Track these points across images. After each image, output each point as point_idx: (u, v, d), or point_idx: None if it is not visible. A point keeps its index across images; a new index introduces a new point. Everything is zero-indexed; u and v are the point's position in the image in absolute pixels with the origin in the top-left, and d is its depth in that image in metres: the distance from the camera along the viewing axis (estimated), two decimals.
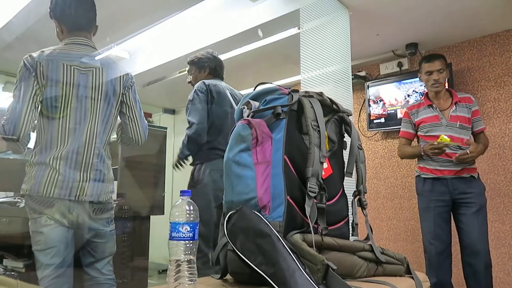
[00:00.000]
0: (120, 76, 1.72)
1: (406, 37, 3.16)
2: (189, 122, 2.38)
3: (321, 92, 1.11)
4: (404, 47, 3.29)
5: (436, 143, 2.24)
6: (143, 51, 3.43)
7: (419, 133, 2.50)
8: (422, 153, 2.36)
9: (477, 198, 2.32)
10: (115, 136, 1.79)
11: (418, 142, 2.54)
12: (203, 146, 2.19)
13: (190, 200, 0.85)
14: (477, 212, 2.31)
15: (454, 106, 2.38)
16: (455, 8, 2.63)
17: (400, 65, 3.46)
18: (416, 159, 2.53)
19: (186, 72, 2.52)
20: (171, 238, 0.80)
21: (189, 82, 2.46)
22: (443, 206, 2.36)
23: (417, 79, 3.25)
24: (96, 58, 1.69)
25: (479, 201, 2.32)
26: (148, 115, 5.07)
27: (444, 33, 3.06)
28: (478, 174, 2.40)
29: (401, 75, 3.41)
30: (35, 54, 1.56)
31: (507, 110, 2.93)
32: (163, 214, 2.23)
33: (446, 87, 2.52)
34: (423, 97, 2.54)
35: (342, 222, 1.09)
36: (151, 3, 2.54)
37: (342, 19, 2.52)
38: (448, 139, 2.22)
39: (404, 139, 2.57)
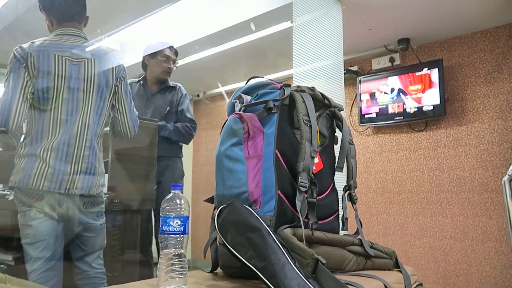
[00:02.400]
0: (113, 68, 1.71)
1: (398, 32, 3.17)
2: (192, 119, 2.42)
3: (313, 87, 1.11)
4: (396, 42, 3.30)
5: None
6: (135, 42, 3.39)
7: None
8: None
9: None
10: (108, 128, 1.78)
11: None
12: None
13: (181, 193, 0.85)
14: None
15: None
16: (446, 4, 2.64)
17: (392, 60, 3.48)
18: None
19: (172, 63, 2.51)
20: (162, 232, 0.80)
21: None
22: None
23: (409, 74, 3.28)
24: (87, 49, 1.67)
25: None
26: None
27: (435, 29, 3.08)
28: None
29: (393, 70, 3.42)
30: (25, 45, 1.53)
31: (496, 106, 2.96)
32: (154, 207, 2.23)
33: None
34: None
35: (332, 217, 1.10)
36: None
37: (335, 13, 2.51)
38: None
39: None
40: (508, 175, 1.80)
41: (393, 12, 2.77)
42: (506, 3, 2.61)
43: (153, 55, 2.48)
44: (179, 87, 2.56)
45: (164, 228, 0.80)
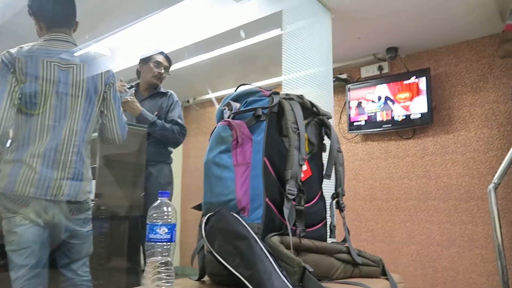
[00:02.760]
0: (102, 74, 1.70)
1: (387, 41, 3.21)
2: (183, 125, 2.42)
3: (302, 95, 1.11)
4: (384, 51, 3.35)
5: None
6: (125, 48, 3.38)
7: None
8: None
9: None
10: (96, 134, 1.77)
11: None
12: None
13: (168, 201, 0.84)
14: None
15: None
16: (434, 14, 2.69)
17: (380, 68, 3.52)
18: None
19: (164, 69, 2.52)
20: (148, 239, 0.80)
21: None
22: None
23: (397, 82, 3.32)
24: (76, 54, 1.66)
25: None
26: None
27: (423, 39, 3.13)
28: None
29: (382, 78, 3.46)
30: (13, 50, 1.52)
31: (482, 115, 3.01)
32: (142, 214, 2.21)
33: None
34: None
35: (320, 224, 1.11)
36: (134, 1, 2.51)
37: (324, 21, 2.54)
38: None
39: (509, 32, 2.33)
40: (494, 183, 1.83)
41: (381, 22, 2.81)
42: (491, 14, 2.67)
43: (145, 61, 2.50)
44: (171, 93, 2.56)
45: (151, 236, 0.80)
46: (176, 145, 2.54)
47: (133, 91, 2.41)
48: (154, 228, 0.80)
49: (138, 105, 2.32)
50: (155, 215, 0.81)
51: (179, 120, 2.47)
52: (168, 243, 0.81)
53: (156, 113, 2.42)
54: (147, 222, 0.81)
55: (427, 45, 3.27)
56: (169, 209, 0.82)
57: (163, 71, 2.50)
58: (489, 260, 2.85)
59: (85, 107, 1.63)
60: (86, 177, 1.62)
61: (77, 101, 1.61)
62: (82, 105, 1.62)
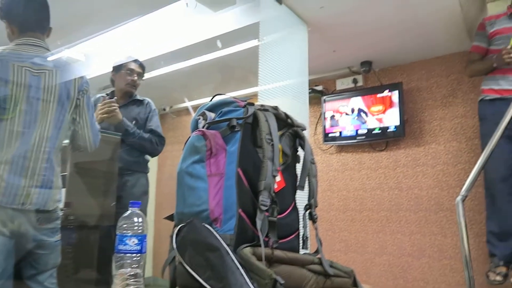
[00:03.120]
0: (75, 80, 1.67)
1: (361, 55, 3.29)
2: (161, 136, 2.40)
3: (276, 106, 1.13)
4: (359, 64, 3.42)
5: (509, 47, 2.04)
6: (100, 54, 3.33)
7: (492, 47, 2.30)
8: (495, 65, 2.18)
9: None
10: (67, 141, 1.72)
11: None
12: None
13: (139, 211, 0.83)
14: None
15: None
16: (407, 31, 2.78)
17: (355, 81, 3.60)
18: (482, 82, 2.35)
19: (137, 76, 2.49)
20: (117, 251, 0.78)
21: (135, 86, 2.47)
22: (509, 129, 2.04)
23: (371, 95, 3.40)
24: (49, 59, 1.63)
25: None
26: None
27: (396, 53, 3.22)
28: None
29: (356, 91, 3.54)
30: None
31: (451, 129, 3.11)
32: (113, 224, 2.16)
33: None
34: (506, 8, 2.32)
35: (293, 236, 1.11)
36: (112, 6, 2.48)
37: (301, 34, 2.58)
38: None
39: (475, 54, 2.38)
40: (461, 195, 1.88)
41: (356, 36, 2.88)
42: (460, 32, 2.79)
43: (118, 69, 2.46)
44: (148, 101, 2.53)
45: (120, 247, 0.78)
46: (154, 155, 2.51)
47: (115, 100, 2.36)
48: (124, 239, 0.79)
49: (119, 113, 2.26)
50: (125, 225, 0.80)
51: (158, 130, 2.45)
52: (138, 255, 0.79)
53: (133, 122, 2.39)
54: (117, 233, 0.80)
55: (400, 60, 3.37)
56: (140, 219, 0.81)
57: (136, 78, 2.46)
58: (457, 271, 2.92)
59: (56, 113, 1.59)
60: (55, 185, 1.58)
61: (49, 107, 1.57)
62: (54, 111, 1.58)
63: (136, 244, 0.79)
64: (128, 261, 0.78)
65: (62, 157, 1.66)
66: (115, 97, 2.44)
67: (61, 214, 1.66)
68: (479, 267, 2.82)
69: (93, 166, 2.04)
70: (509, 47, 2.13)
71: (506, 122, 1.76)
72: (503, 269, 2.20)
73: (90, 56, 3.29)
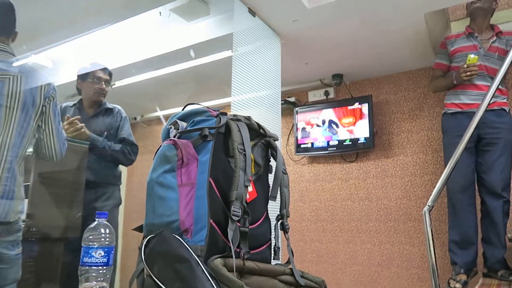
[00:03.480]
0: (41, 86, 1.61)
1: (333, 68, 3.36)
2: (134, 144, 2.34)
3: (249, 116, 1.13)
4: (330, 77, 3.49)
5: (465, 65, 2.18)
6: (69, 61, 3.25)
7: (453, 64, 2.42)
8: (455, 81, 2.30)
9: (505, 134, 2.23)
10: (31, 150, 1.66)
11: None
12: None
13: (106, 222, 0.80)
14: (503, 149, 2.20)
15: (495, 37, 2.33)
16: (376, 46, 2.87)
17: (326, 93, 3.66)
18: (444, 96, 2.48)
19: (105, 83, 2.41)
20: (82, 263, 0.75)
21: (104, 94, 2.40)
22: (470, 142, 2.21)
23: (342, 107, 3.47)
24: (14, 65, 1.57)
25: (506, 137, 2.23)
26: None
27: (366, 67, 3.31)
28: (510, 109, 2.32)
29: (328, 103, 3.60)
30: None
31: (418, 141, 3.21)
32: (79, 235, 2.08)
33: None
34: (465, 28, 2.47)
35: (265, 246, 1.10)
36: (83, 12, 2.43)
37: (274, 46, 2.61)
38: (476, 57, 2.15)
39: (438, 70, 2.51)
40: (428, 205, 1.93)
41: (327, 50, 2.95)
42: (426, 49, 2.90)
43: (84, 77, 2.36)
44: (118, 109, 2.46)
45: (86, 259, 0.75)
46: (128, 165, 2.46)
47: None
48: (90, 251, 0.76)
49: (85, 130, 2.17)
50: (91, 237, 0.77)
51: (130, 138, 2.40)
52: (105, 267, 0.76)
53: (105, 133, 2.31)
54: (82, 245, 0.77)
55: (370, 74, 3.46)
56: (107, 230, 0.79)
57: (104, 86, 2.37)
58: (424, 279, 2.99)
59: (20, 120, 1.53)
60: (17, 196, 1.51)
61: (12, 114, 1.50)
62: (17, 118, 1.52)
63: (102, 256, 0.76)
64: (94, 274, 0.75)
65: (25, 166, 1.59)
66: (83, 106, 2.37)
67: (23, 226, 1.59)
68: (446, 276, 2.89)
69: (59, 176, 1.97)
70: (465, 66, 2.26)
71: (469, 136, 1.83)
72: (463, 277, 2.27)
73: (57, 62, 3.20)
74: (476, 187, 2.39)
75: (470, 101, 2.34)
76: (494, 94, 1.85)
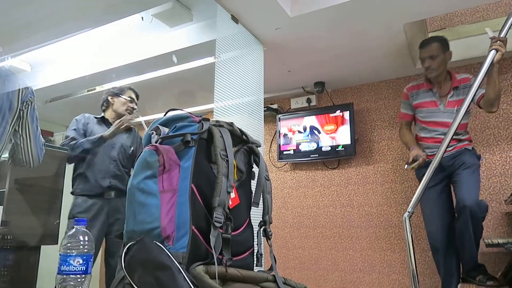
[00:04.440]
0: (19, 90, 1.57)
1: (315, 75, 3.39)
2: None
3: (232, 122, 1.12)
4: (312, 84, 3.52)
5: (410, 168, 2.39)
6: (48, 64, 3.19)
7: (416, 115, 2.51)
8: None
9: (470, 160, 2.29)
10: (7, 155, 1.61)
11: (415, 124, 2.60)
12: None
13: (85, 229, 0.79)
14: (471, 169, 2.26)
15: (452, 92, 2.38)
16: (357, 55, 2.92)
17: (309, 101, 3.69)
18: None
19: (135, 103, 2.56)
20: (60, 272, 0.73)
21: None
22: (438, 184, 2.36)
23: (324, 115, 3.50)
24: None
25: (472, 162, 2.29)
26: (48, 134, 4.66)
27: (347, 76, 3.36)
28: (473, 148, 2.40)
29: (310, 110, 3.63)
30: None
31: (398, 148, 3.27)
32: (57, 243, 2.02)
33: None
34: (423, 79, 2.52)
35: (247, 253, 1.10)
36: (62, 15, 2.39)
37: (257, 53, 2.62)
38: (411, 166, 2.36)
39: (403, 121, 2.60)
40: (408, 211, 1.96)
41: (309, 58, 2.98)
42: (405, 59, 2.96)
43: (117, 94, 2.49)
44: (135, 129, 2.58)
45: (63, 267, 0.73)
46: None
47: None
48: (68, 259, 0.74)
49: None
50: (69, 244, 0.75)
51: None
52: (83, 276, 0.74)
53: (132, 149, 2.48)
54: (60, 252, 0.75)
55: (351, 82, 3.52)
56: (86, 238, 0.77)
57: (135, 106, 2.54)
58: (405, 285, 3.02)
59: None
60: None
61: None
62: None
63: (80, 264, 0.74)
64: (72, 282, 0.73)
65: (0, 172, 1.54)
66: (109, 120, 2.48)
67: None
68: (426, 281, 2.94)
69: (36, 182, 1.92)
70: (408, 167, 2.43)
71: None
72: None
73: (36, 66, 3.14)
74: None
75: (432, 154, 2.42)
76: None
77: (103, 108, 2.53)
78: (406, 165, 2.43)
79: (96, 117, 2.48)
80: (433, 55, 2.36)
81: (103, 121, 2.48)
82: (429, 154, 2.40)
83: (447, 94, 2.42)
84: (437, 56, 2.36)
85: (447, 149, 2.22)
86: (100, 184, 2.27)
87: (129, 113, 2.49)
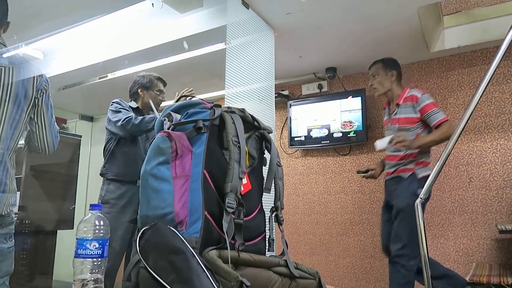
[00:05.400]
0: (34, 78, 1.58)
1: (326, 61, 3.35)
2: None
3: (243, 109, 1.12)
4: (324, 70, 3.49)
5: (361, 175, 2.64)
6: (60, 52, 3.21)
7: None
8: None
9: (400, 201, 2.28)
10: (23, 142, 1.64)
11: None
12: None
13: (100, 214, 0.80)
14: (398, 217, 2.28)
15: (396, 109, 2.42)
16: (369, 40, 2.87)
17: (320, 87, 3.66)
18: None
19: (164, 96, 2.52)
20: (77, 255, 0.75)
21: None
22: (383, 207, 2.51)
23: (335, 101, 3.47)
24: (5, 56, 1.54)
25: (402, 205, 2.26)
26: (62, 121, 4.72)
27: (359, 61, 3.31)
28: (413, 173, 2.33)
29: (321, 97, 3.60)
30: None
31: None
32: (72, 228, 2.07)
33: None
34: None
35: (259, 238, 1.11)
36: (74, 3, 2.40)
37: (268, 39, 2.60)
38: (362, 174, 2.62)
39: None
40: (420, 198, 1.95)
41: (321, 43, 2.94)
42: (418, 43, 2.90)
43: (148, 87, 2.47)
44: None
45: (80, 251, 0.75)
46: None
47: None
48: (84, 243, 0.75)
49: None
50: (85, 229, 0.76)
51: None
52: (99, 259, 0.76)
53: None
54: (76, 237, 0.77)
55: (363, 67, 3.46)
56: (101, 222, 0.78)
57: (164, 98, 2.54)
58: None
59: (12, 112, 1.50)
60: (9, 189, 1.49)
61: (4, 106, 1.48)
62: (9, 110, 1.49)
63: (97, 248, 0.75)
64: (88, 266, 0.75)
65: (17, 158, 1.57)
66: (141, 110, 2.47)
67: (15, 218, 1.57)
68: None
69: (51, 169, 1.95)
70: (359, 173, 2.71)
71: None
72: None
73: (48, 54, 3.16)
74: None
75: (385, 170, 2.54)
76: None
77: (133, 98, 2.52)
78: (358, 171, 2.69)
79: (131, 106, 2.45)
80: (374, 74, 2.50)
81: (137, 111, 2.45)
82: (387, 170, 2.49)
83: (393, 112, 2.47)
84: (377, 75, 2.49)
85: (388, 170, 2.44)
86: (134, 171, 2.24)
87: (157, 106, 2.49)
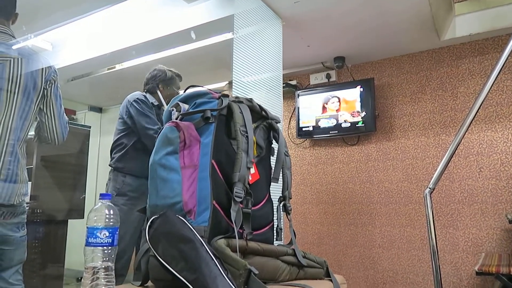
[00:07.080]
0: (42, 69, 1.59)
1: (334, 50, 3.32)
2: None
3: (251, 98, 1.12)
4: (332, 60, 3.46)
5: None
6: (68, 43, 3.22)
7: None
8: None
9: None
10: (33, 133, 1.66)
11: None
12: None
13: (110, 203, 0.81)
14: None
15: None
16: (378, 29, 2.83)
17: (328, 76, 3.64)
18: None
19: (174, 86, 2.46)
20: (88, 244, 0.76)
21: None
22: None
23: (344, 90, 3.45)
24: (14, 47, 1.55)
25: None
26: (71, 112, 4.76)
27: (368, 50, 3.28)
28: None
29: (329, 86, 3.58)
30: None
31: (420, 124, 3.20)
32: (83, 217, 2.10)
33: None
34: None
35: (267, 227, 1.11)
36: None
37: (275, 28, 2.58)
38: None
39: None
40: (429, 188, 1.94)
41: (329, 32, 2.91)
42: (429, 31, 2.86)
43: (168, 83, 2.40)
44: None
45: (90, 240, 0.76)
46: None
47: None
48: (94, 231, 0.76)
49: None
50: (95, 218, 0.77)
51: None
52: (109, 247, 0.77)
53: None
54: (87, 225, 0.78)
55: (372, 56, 3.43)
56: (111, 211, 0.79)
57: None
58: (425, 261, 3.02)
59: (22, 103, 1.52)
60: (21, 179, 1.51)
61: (13, 97, 1.50)
62: (19, 101, 1.51)
63: (107, 236, 0.76)
64: (99, 254, 0.76)
65: (27, 149, 1.60)
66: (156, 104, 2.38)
67: (27, 208, 1.60)
68: (446, 257, 2.93)
69: (61, 159, 1.98)
70: None
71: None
72: None
73: (56, 45, 3.17)
74: None
75: None
76: None
77: (149, 92, 2.41)
78: None
79: (154, 103, 2.37)
80: None
81: (153, 106, 2.36)
82: None
83: None
84: None
85: None
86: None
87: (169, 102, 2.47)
